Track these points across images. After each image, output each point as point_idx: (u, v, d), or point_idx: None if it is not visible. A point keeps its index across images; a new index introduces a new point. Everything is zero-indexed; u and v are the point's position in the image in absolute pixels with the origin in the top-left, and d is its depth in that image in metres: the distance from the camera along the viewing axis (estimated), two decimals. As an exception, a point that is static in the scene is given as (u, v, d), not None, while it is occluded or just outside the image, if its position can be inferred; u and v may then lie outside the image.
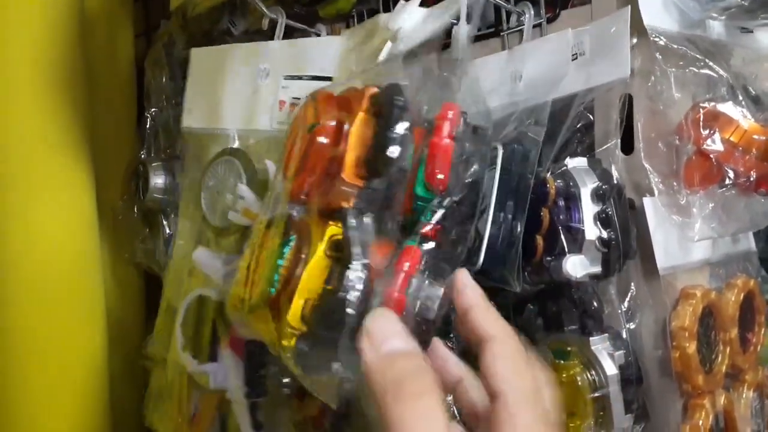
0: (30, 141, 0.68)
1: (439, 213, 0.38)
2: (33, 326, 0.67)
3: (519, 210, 0.46)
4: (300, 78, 0.57)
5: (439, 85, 0.45)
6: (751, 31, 0.51)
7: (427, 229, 0.38)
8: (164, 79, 0.80)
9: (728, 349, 0.46)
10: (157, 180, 0.74)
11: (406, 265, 0.35)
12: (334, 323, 0.34)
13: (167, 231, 0.74)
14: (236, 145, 0.59)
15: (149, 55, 0.83)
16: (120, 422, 0.74)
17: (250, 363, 0.56)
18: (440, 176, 0.38)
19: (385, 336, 0.31)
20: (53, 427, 0.67)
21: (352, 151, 0.38)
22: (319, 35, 0.60)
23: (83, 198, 0.72)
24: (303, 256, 0.36)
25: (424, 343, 0.36)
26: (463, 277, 0.36)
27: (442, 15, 0.45)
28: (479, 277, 0.47)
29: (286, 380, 0.56)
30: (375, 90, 0.40)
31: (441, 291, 0.36)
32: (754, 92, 0.48)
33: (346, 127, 0.39)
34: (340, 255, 0.36)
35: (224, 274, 0.54)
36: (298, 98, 0.56)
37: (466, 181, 0.40)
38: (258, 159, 0.57)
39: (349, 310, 0.34)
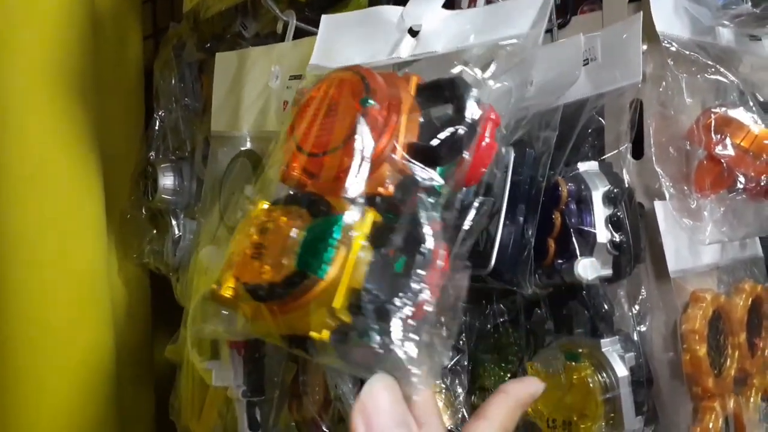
0: (41, 141, 0.68)
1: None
2: (41, 325, 0.68)
3: (530, 213, 0.46)
4: (301, 77, 0.55)
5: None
6: (760, 39, 0.51)
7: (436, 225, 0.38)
8: (173, 81, 0.80)
9: (737, 353, 0.46)
10: (166, 181, 0.75)
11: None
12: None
13: (176, 232, 0.75)
14: (248, 146, 0.60)
15: (158, 57, 0.84)
16: (128, 421, 0.74)
17: (250, 362, 0.57)
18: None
19: (384, 426, 0.30)
20: (60, 426, 0.67)
21: (401, 136, 0.36)
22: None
23: (92, 198, 0.72)
24: (347, 239, 0.33)
25: None
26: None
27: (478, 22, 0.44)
28: (490, 278, 0.48)
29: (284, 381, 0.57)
30: (419, 78, 0.39)
31: None
32: (762, 99, 0.49)
33: (395, 113, 0.36)
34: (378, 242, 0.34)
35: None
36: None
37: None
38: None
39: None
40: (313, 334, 0.32)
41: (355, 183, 0.35)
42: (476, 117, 0.37)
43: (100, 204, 0.72)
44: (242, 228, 0.37)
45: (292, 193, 0.38)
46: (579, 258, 0.45)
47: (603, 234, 0.44)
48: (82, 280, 0.70)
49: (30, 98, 0.68)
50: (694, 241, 0.43)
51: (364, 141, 0.35)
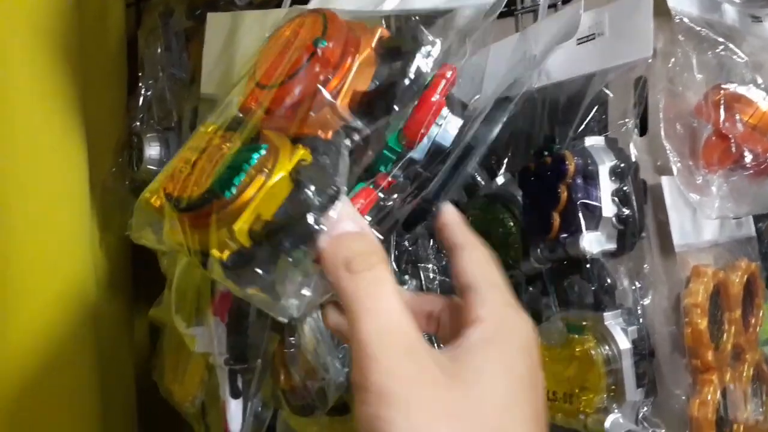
0: (25, 110, 0.66)
1: (400, 168, 0.39)
2: (22, 295, 0.66)
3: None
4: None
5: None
6: (761, 20, 0.52)
7: (383, 180, 0.38)
8: (159, 50, 0.78)
9: (733, 328, 0.47)
10: (152, 151, 0.73)
11: (361, 202, 0.36)
12: (293, 240, 0.33)
13: (162, 203, 0.73)
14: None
15: (144, 24, 0.81)
16: (111, 394, 0.72)
17: (233, 330, 0.56)
18: (422, 131, 0.38)
19: (338, 220, 0.33)
20: (43, 401, 0.65)
21: (351, 83, 0.37)
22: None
23: (75, 168, 0.70)
24: (267, 170, 0.34)
25: None
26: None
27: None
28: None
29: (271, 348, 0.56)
30: (386, 32, 0.39)
31: None
32: (762, 80, 0.49)
33: (348, 58, 0.37)
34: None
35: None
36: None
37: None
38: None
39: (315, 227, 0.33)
40: (214, 252, 0.34)
41: (296, 121, 0.36)
42: (423, 72, 0.37)
43: (83, 174, 0.70)
44: (186, 146, 0.39)
45: (235, 118, 0.38)
46: (584, 232, 0.45)
47: (609, 208, 0.44)
48: (61, 249, 0.68)
49: (9, 65, 0.66)
50: (700, 216, 0.43)
51: (308, 79, 0.36)
